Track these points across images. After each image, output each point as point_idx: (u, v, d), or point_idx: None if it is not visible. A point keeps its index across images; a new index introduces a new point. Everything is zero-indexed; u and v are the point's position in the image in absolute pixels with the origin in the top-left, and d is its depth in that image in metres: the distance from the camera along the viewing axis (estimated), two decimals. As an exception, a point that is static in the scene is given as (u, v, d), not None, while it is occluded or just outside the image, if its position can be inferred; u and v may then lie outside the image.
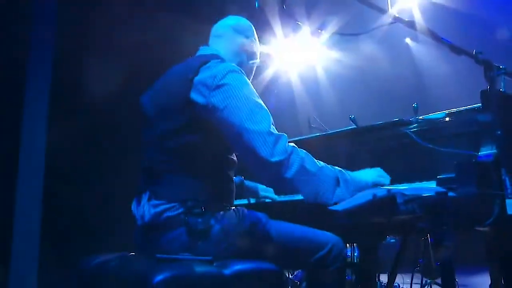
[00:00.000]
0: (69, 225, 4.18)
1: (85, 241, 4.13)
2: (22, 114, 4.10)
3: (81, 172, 4.41)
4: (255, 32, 1.99)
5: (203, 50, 1.89)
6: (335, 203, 1.61)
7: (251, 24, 1.99)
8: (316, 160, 1.67)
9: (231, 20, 1.97)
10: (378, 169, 1.79)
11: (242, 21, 1.98)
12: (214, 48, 1.89)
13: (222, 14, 2.04)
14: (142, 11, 4.64)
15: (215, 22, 2.01)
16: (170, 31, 4.59)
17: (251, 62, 1.96)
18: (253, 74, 2.00)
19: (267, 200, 2.20)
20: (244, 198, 2.23)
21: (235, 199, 1.84)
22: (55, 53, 4.25)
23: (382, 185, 1.71)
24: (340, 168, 1.71)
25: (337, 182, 1.64)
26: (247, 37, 1.94)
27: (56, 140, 4.13)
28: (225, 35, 1.92)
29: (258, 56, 2.00)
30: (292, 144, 1.64)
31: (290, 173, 1.57)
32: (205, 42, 1.97)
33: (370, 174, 1.76)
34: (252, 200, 2.23)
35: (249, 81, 1.71)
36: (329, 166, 1.69)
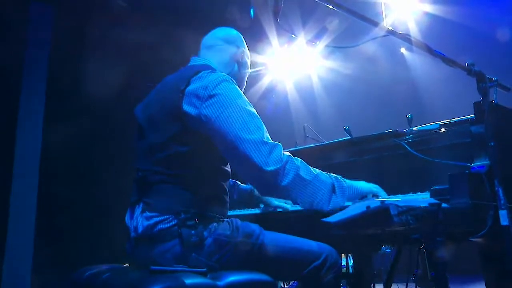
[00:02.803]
0: (63, 225, 4.18)
1: (79, 242, 4.13)
2: (18, 114, 4.11)
3: (76, 172, 4.42)
4: (245, 42, 2.01)
5: (194, 61, 1.89)
6: (331, 210, 1.62)
7: (240, 34, 2.01)
8: (312, 168, 1.67)
9: (221, 31, 1.98)
10: (376, 186, 1.80)
11: (232, 32, 1.99)
12: (205, 58, 1.90)
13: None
14: (140, 11, 4.66)
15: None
16: (169, 31, 4.61)
17: (242, 72, 1.97)
18: (245, 83, 2.01)
19: (248, 211, 2.19)
20: (257, 206, 2.21)
21: (230, 209, 1.83)
22: (51, 53, 4.27)
23: (378, 196, 1.72)
24: (336, 175, 1.73)
25: (333, 189, 1.66)
26: (237, 47, 1.95)
27: (51, 141, 4.13)
28: (215, 46, 1.92)
29: (249, 66, 2.01)
30: (288, 153, 1.65)
31: (285, 182, 1.58)
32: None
33: (366, 185, 1.77)
34: (257, 210, 2.22)
35: (241, 91, 1.72)
36: (324, 173, 1.70)
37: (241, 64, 1.95)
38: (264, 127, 1.64)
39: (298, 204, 1.66)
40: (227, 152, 1.65)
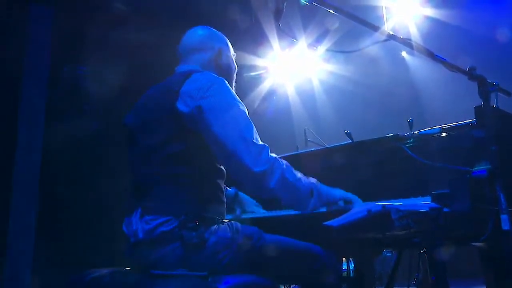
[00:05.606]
0: (64, 226, 4.18)
1: (80, 242, 4.13)
2: (18, 115, 4.11)
3: (77, 172, 4.42)
4: (225, 38, 1.97)
5: (181, 69, 1.88)
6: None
7: (217, 32, 1.97)
8: (294, 170, 1.70)
9: (192, 38, 1.94)
10: (351, 194, 1.80)
11: (204, 33, 1.95)
12: (190, 64, 1.88)
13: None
14: (140, 12, 4.67)
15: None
16: (169, 33, 4.60)
17: (224, 70, 1.91)
18: (233, 80, 1.96)
19: (250, 215, 2.19)
20: (234, 210, 2.22)
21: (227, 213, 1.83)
22: (52, 53, 4.28)
23: (350, 200, 1.75)
24: (315, 180, 1.75)
25: (311, 193, 1.69)
26: (212, 48, 1.90)
27: (52, 141, 4.14)
28: (190, 52, 1.90)
29: (233, 62, 1.98)
30: (274, 154, 1.67)
31: (272, 183, 1.61)
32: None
33: (341, 191, 1.78)
34: (238, 212, 2.22)
35: (233, 91, 1.74)
36: (305, 177, 1.73)
37: (220, 65, 1.91)
38: (254, 128, 1.67)
39: (282, 204, 1.70)
40: (218, 152, 1.67)
